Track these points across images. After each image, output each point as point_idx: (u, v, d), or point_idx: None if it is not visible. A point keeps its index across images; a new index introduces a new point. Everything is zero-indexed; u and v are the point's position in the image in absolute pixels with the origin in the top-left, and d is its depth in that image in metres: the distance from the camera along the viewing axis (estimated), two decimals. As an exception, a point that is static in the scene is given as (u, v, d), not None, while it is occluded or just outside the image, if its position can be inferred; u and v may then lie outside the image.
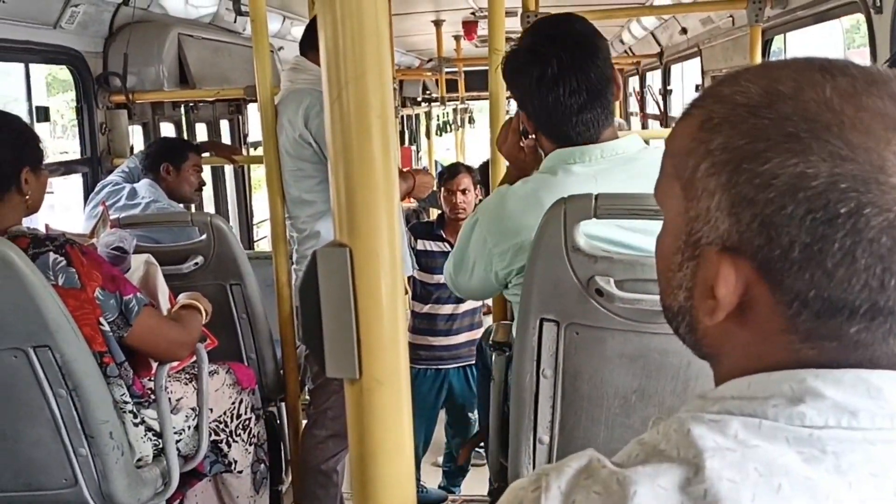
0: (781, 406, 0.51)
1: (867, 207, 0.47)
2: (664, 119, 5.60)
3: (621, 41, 6.50)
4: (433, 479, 3.49)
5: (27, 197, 1.68)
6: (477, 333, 3.33)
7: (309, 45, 2.47)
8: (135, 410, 1.75)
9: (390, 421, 0.69)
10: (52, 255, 1.61)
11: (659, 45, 5.74)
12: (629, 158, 1.39)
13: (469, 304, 3.29)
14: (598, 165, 1.38)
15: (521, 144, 1.58)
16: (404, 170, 2.79)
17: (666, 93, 5.80)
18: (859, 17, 2.63)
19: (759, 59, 3.01)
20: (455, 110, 8.43)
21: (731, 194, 0.51)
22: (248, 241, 4.73)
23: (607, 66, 1.40)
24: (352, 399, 0.69)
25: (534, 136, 1.49)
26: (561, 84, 1.37)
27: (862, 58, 2.89)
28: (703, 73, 4.73)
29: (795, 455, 0.49)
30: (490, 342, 1.70)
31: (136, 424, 1.75)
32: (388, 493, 0.70)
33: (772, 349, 0.53)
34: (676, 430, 0.53)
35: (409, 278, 3.24)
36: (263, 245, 5.01)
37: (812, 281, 0.49)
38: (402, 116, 8.25)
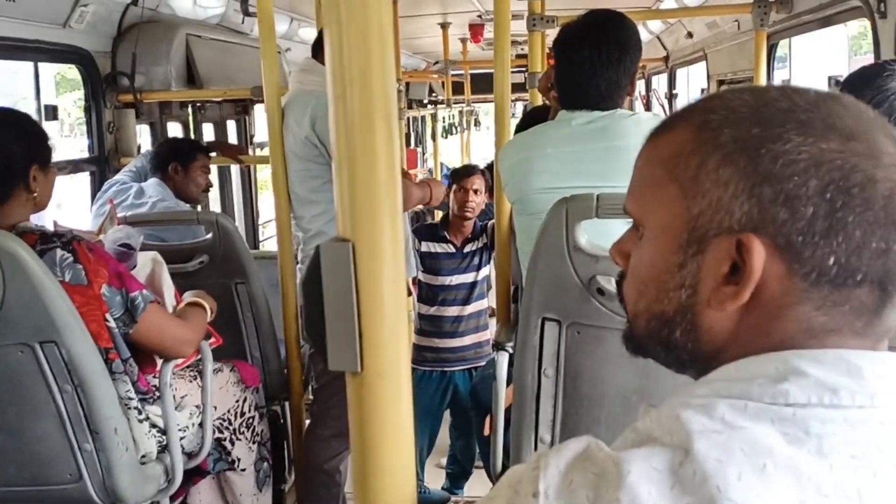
0: (766, 385, 0.53)
1: (876, 178, 0.53)
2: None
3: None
4: (436, 480, 3.49)
5: (35, 194, 1.69)
6: (483, 335, 3.33)
7: (321, 47, 2.48)
8: (139, 407, 1.76)
9: (391, 414, 0.70)
10: (59, 252, 1.63)
11: (665, 49, 5.75)
12: (603, 127, 1.60)
13: (475, 307, 3.29)
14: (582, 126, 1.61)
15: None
16: (424, 180, 2.81)
17: (671, 97, 5.81)
18: (867, 25, 2.63)
19: (763, 64, 3.01)
20: (461, 112, 8.45)
21: (752, 177, 0.54)
22: (254, 241, 4.74)
23: (622, 75, 1.59)
24: (353, 392, 0.70)
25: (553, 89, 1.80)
26: (582, 69, 1.58)
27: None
28: (708, 77, 4.73)
29: (780, 436, 0.51)
30: (492, 342, 1.73)
31: (140, 421, 1.76)
32: (389, 486, 0.71)
33: (782, 323, 0.56)
34: (667, 416, 0.55)
35: (414, 280, 3.24)
36: (269, 245, 5.02)
37: (832, 250, 0.53)
38: (409, 118, 8.26)
